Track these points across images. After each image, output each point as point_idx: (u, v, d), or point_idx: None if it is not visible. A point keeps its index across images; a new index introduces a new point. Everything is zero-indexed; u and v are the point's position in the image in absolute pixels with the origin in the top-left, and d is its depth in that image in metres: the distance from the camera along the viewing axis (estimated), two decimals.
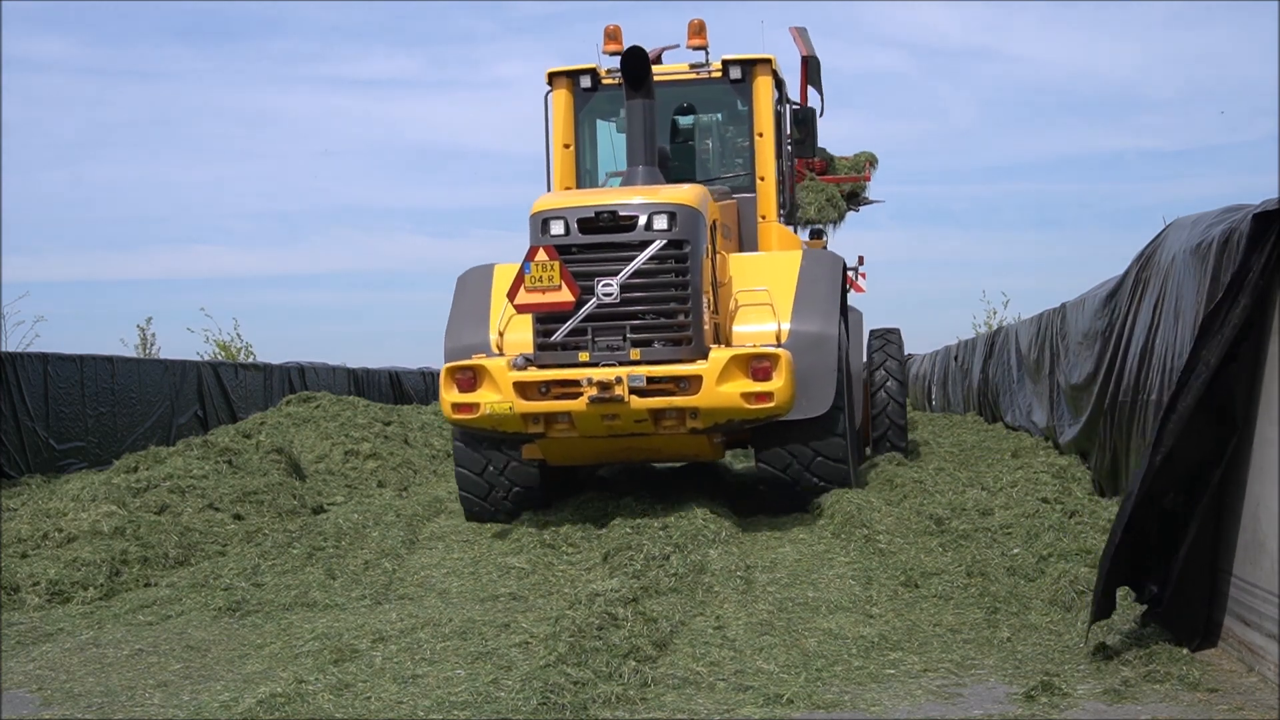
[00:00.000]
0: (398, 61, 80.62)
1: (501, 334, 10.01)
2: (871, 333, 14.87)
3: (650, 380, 9.10)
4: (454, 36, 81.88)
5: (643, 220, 9.38)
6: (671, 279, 9.44)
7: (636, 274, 9.34)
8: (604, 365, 9.18)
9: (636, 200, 9.46)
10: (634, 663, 6.12)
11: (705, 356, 9.27)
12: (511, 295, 9.23)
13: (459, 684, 6.12)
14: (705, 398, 9.10)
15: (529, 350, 9.68)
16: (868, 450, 14.43)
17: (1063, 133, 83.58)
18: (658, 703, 5.75)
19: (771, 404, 9.11)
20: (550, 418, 9.33)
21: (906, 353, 16.00)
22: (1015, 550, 8.42)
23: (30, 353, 17.76)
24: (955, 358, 26.79)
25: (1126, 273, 9.95)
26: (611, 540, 8.92)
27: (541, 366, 9.40)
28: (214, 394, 22.60)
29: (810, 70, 15.58)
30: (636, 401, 9.06)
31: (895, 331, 15.10)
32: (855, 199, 19.51)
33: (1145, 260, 9.14)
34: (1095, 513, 9.09)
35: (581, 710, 5.54)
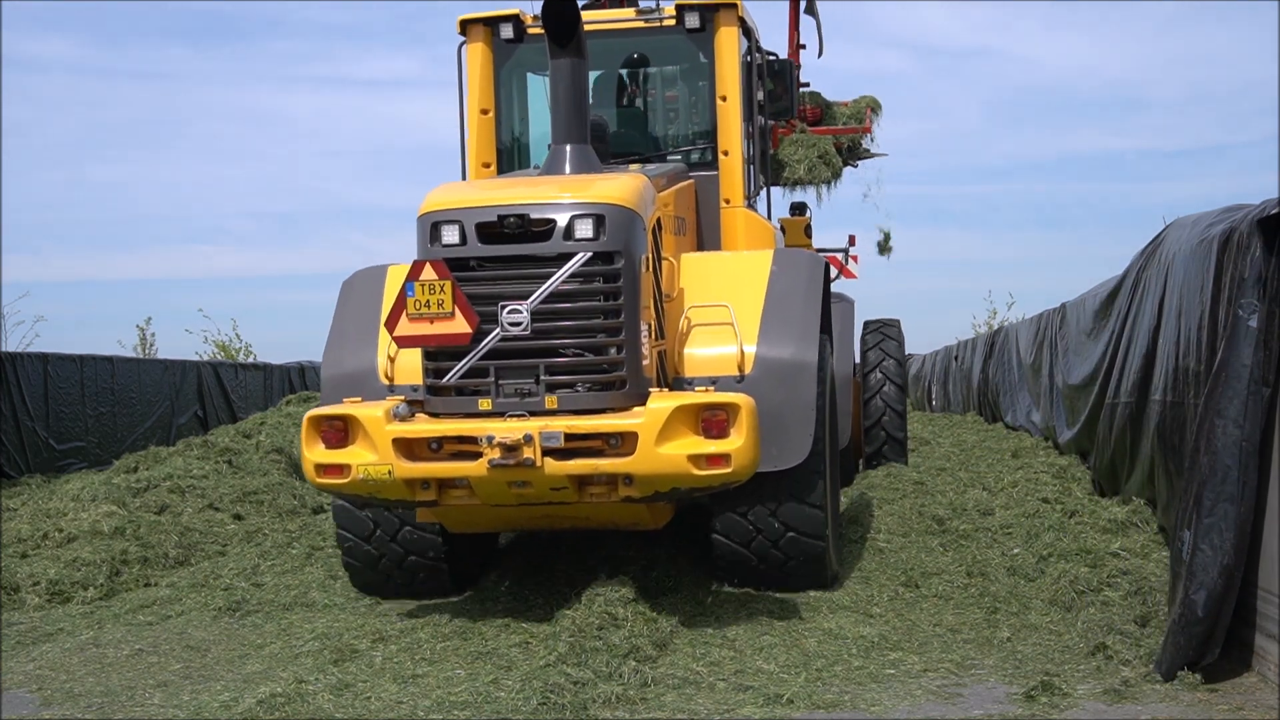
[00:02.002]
0: (398, 61, 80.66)
1: (393, 359, 7.68)
2: (866, 325, 12.91)
3: (570, 437, 6.74)
4: (455, 36, 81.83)
5: (561, 225, 6.99)
6: (599, 303, 7.04)
7: (553, 296, 6.94)
8: (511, 416, 6.86)
9: (553, 199, 7.12)
10: (634, 663, 6.12)
11: (644, 401, 6.92)
12: (390, 325, 7.01)
13: (459, 684, 6.12)
14: (642, 461, 6.73)
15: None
16: (860, 464, 12.62)
17: (1063, 133, 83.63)
18: (658, 703, 5.76)
19: (727, 469, 6.72)
20: (444, 483, 7.02)
21: (907, 352, 13.79)
22: (1015, 550, 8.43)
23: (30, 353, 17.78)
24: (955, 358, 26.82)
25: (1127, 272, 9.95)
26: (612, 541, 8.92)
27: (432, 415, 7.12)
28: (214, 394, 22.63)
29: (799, 6, 13.44)
30: (552, 465, 6.71)
31: (894, 324, 13.11)
32: (854, 153, 16.59)
33: (1146, 260, 9.14)
34: (1095, 513, 9.10)
35: (581, 710, 5.54)
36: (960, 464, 13.58)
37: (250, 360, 30.02)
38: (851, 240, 14.32)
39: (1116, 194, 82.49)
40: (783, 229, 11.96)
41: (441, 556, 8.12)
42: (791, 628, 7.02)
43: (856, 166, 16.60)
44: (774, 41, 15.91)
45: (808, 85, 15.79)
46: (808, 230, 12.57)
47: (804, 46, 15.35)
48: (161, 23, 70.70)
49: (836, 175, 15.58)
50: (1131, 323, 9.42)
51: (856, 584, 8.00)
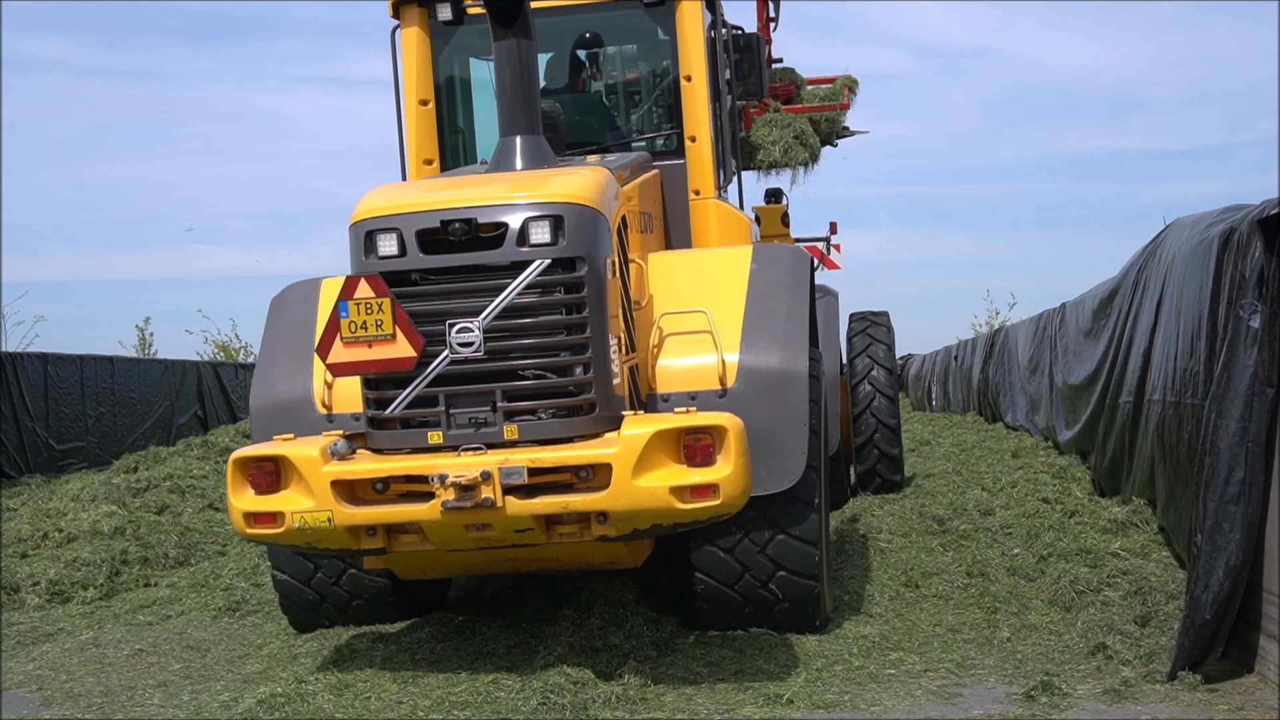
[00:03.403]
0: None
1: (329, 385, 6.75)
2: (852, 319, 11.83)
3: (534, 472, 5.83)
4: None
5: (514, 229, 6.03)
6: (560, 316, 6.08)
7: (507, 311, 6.00)
8: (465, 450, 5.96)
9: (504, 200, 6.16)
10: (634, 663, 6.12)
11: (616, 426, 6.05)
12: (323, 351, 6.06)
13: (459, 684, 6.12)
14: (617, 495, 5.83)
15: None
16: (853, 479, 11.70)
17: (1063, 133, 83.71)
18: (658, 703, 5.76)
19: (715, 501, 5.86)
20: (392, 528, 6.10)
21: (905, 352, 12.89)
22: (1015, 550, 8.44)
23: (30, 353, 17.80)
24: (955, 358, 26.83)
25: (1126, 272, 9.95)
26: None
27: (376, 451, 6.21)
28: (214, 394, 22.65)
29: None
30: (515, 505, 5.82)
31: (882, 318, 11.83)
32: (833, 131, 15.54)
33: (1146, 260, 9.14)
34: (1095, 513, 9.10)
35: (581, 710, 5.54)
36: (960, 464, 13.58)
37: (250, 360, 30.03)
38: (833, 228, 13.33)
39: (1116, 194, 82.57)
40: (758, 219, 11.19)
41: (390, 598, 7.42)
42: None
43: (836, 145, 15.74)
44: (740, 15, 15.18)
45: (780, 61, 14.99)
46: (785, 219, 11.84)
47: (774, 20, 14.46)
48: (161, 23, 70.76)
49: (815, 157, 14.66)
50: (1131, 323, 9.42)
51: (856, 584, 8.00)
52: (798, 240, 12.14)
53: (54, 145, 67.09)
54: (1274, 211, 5.55)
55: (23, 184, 60.02)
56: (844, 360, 11.37)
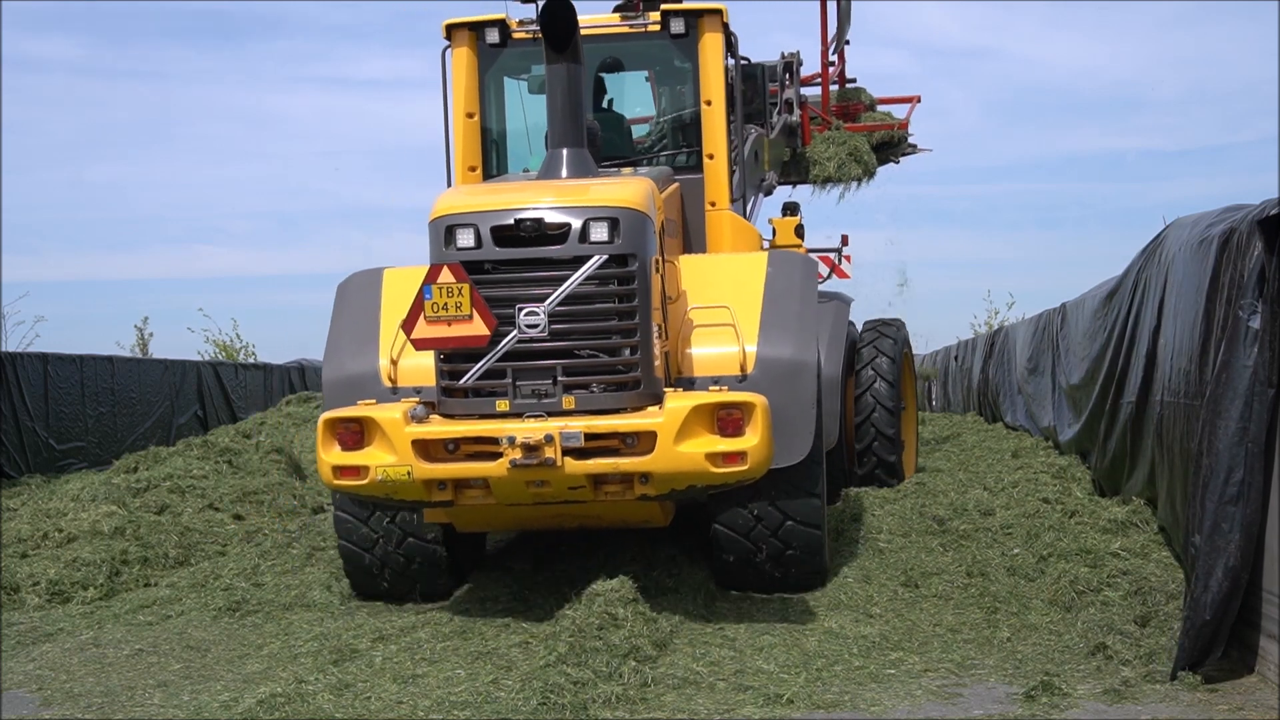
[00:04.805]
0: (398, 61, 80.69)
1: (394, 361, 7.81)
2: (865, 326, 12.49)
3: (589, 437, 6.94)
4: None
5: (576, 228, 7.17)
6: (614, 305, 7.25)
7: (569, 299, 7.13)
8: (529, 417, 7.03)
9: (568, 203, 7.32)
10: (634, 663, 6.12)
11: (658, 401, 7.19)
12: (408, 328, 7.13)
13: (459, 684, 6.12)
14: (660, 459, 6.93)
15: (431, 382, 7.53)
16: (853, 473, 12.01)
17: (1063, 133, 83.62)
18: (658, 703, 5.76)
19: (744, 467, 6.92)
20: (461, 483, 7.15)
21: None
22: (1015, 550, 8.43)
23: (30, 353, 17.80)
24: (955, 358, 26.83)
25: (1127, 272, 9.95)
26: (612, 541, 8.92)
27: (448, 416, 7.25)
28: (214, 394, 22.64)
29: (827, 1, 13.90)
30: (572, 465, 6.90)
31: (891, 328, 12.34)
32: (892, 148, 16.33)
33: (1146, 260, 9.14)
34: (1095, 513, 9.09)
35: (581, 710, 5.54)
36: (960, 464, 13.58)
37: (252, 360, 30.03)
38: (844, 240, 13.95)
39: (1116, 194, 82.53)
40: (774, 229, 11.97)
41: (443, 564, 8.23)
42: (791, 628, 7.02)
43: (899, 163, 16.47)
44: (805, 44, 15.87)
45: (854, 81, 16.01)
46: (799, 230, 12.40)
47: (848, 43, 15.52)
48: (161, 23, 70.78)
49: (869, 173, 15.49)
50: (1132, 323, 9.41)
51: (856, 584, 7.99)
52: (810, 250, 12.75)
53: (54, 145, 67.11)
54: (1274, 211, 5.54)
55: (23, 184, 60.05)
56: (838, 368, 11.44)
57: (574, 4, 7.70)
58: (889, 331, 12.33)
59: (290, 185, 75.97)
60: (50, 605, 8.59)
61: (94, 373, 18.70)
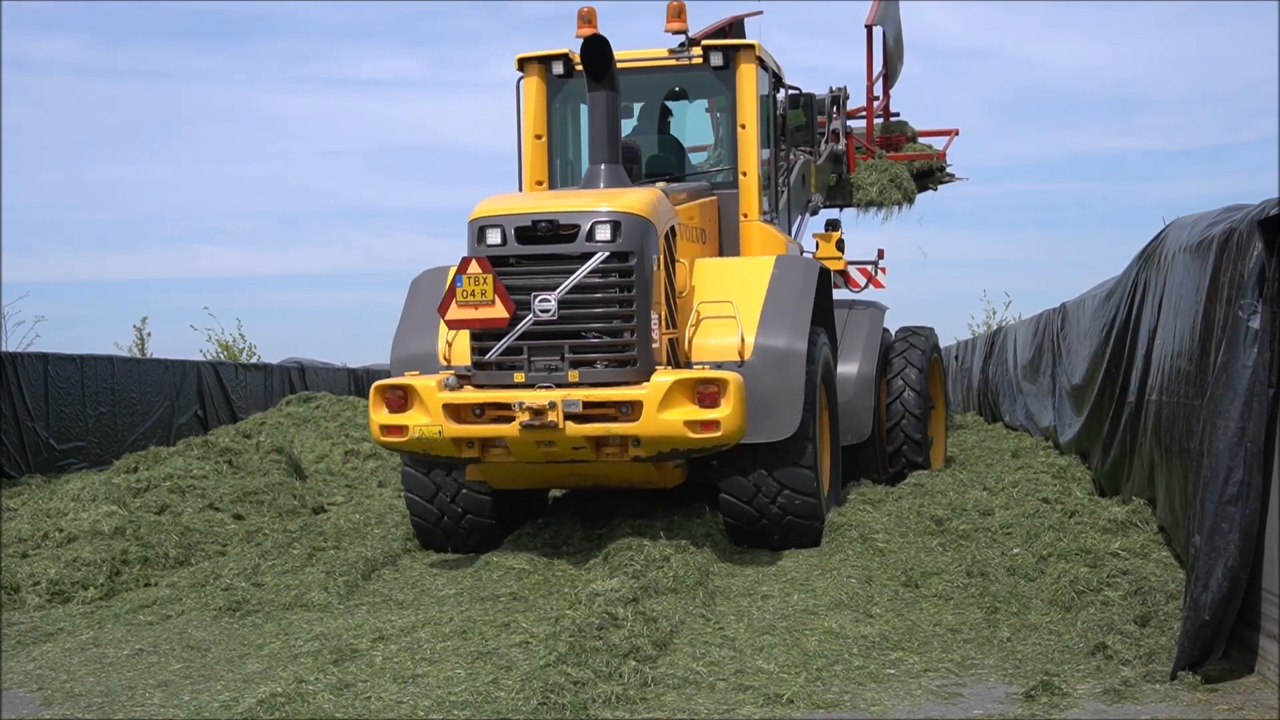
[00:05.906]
0: (400, 62, 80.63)
1: (450, 343, 9.25)
2: (898, 334, 13.08)
3: (587, 405, 8.22)
4: (457, 37, 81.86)
5: (584, 230, 8.47)
6: (615, 294, 8.54)
7: (576, 289, 8.44)
8: (539, 387, 8.37)
9: (579, 208, 8.63)
10: (634, 663, 6.12)
11: (650, 378, 8.39)
12: (443, 310, 8.51)
13: (459, 684, 6.12)
14: (646, 425, 8.19)
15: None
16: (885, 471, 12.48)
17: (1063, 133, 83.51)
18: (658, 703, 5.76)
19: (718, 433, 8.15)
20: (485, 442, 8.57)
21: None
22: (1015, 550, 8.43)
23: (30, 353, 17.78)
24: (955, 358, 26.83)
25: (1126, 272, 9.95)
26: (612, 540, 8.93)
27: (478, 386, 8.63)
28: (214, 394, 22.61)
29: (873, 40, 15.21)
30: (572, 428, 8.22)
31: (919, 338, 12.93)
32: (931, 177, 17.68)
33: (1145, 260, 9.14)
34: (1095, 513, 9.09)
35: (581, 710, 5.55)
36: (960, 464, 13.58)
37: (253, 360, 30.01)
38: (880, 253, 15.32)
39: (1116, 194, 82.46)
40: (817, 243, 13.50)
41: (491, 513, 9.61)
42: (791, 628, 7.02)
43: (937, 190, 17.67)
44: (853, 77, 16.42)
45: (897, 115, 17.25)
46: (840, 244, 13.85)
47: (882, 78, 16.57)
48: (162, 23, 70.71)
49: (908, 198, 16.79)
50: (1131, 323, 9.42)
51: (856, 584, 8.00)
52: (851, 263, 14.34)
53: (54, 145, 67.06)
54: (1274, 212, 5.54)
55: (23, 184, 60.00)
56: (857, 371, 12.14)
57: (608, 42, 9.07)
58: (918, 342, 12.94)
59: (290, 185, 75.91)
60: (50, 605, 8.60)
61: (94, 373, 18.69)
